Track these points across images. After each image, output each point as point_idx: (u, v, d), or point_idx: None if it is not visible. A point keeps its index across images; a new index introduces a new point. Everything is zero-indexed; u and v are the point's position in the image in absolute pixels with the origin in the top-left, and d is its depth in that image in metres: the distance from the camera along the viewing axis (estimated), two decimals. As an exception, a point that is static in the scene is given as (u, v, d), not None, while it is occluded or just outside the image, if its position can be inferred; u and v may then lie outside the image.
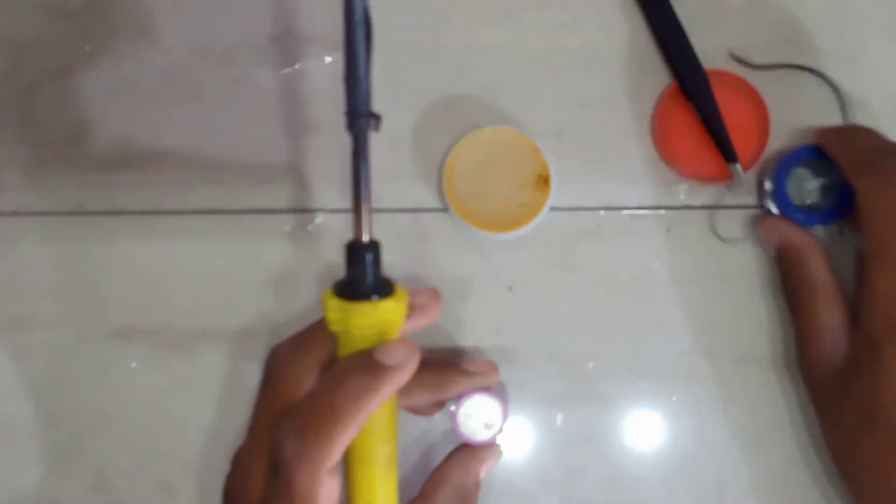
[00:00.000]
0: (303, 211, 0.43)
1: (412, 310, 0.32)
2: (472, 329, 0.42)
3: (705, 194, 0.42)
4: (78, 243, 0.43)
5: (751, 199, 0.42)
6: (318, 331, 0.32)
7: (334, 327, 0.31)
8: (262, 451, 0.31)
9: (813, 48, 0.42)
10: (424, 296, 0.33)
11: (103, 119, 0.43)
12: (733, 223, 0.42)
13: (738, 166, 0.40)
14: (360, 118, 0.31)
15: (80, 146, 0.43)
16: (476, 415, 0.37)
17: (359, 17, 0.31)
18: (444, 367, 0.37)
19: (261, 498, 0.30)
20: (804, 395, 0.40)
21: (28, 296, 0.43)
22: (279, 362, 0.33)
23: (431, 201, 0.42)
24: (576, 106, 0.42)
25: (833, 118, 0.42)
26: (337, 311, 0.30)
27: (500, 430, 0.38)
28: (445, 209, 0.42)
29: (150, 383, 0.43)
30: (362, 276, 0.31)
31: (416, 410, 0.40)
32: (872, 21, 0.42)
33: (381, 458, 0.31)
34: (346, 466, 0.31)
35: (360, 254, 0.31)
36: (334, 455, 0.28)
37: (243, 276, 0.42)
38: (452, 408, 0.37)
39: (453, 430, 0.37)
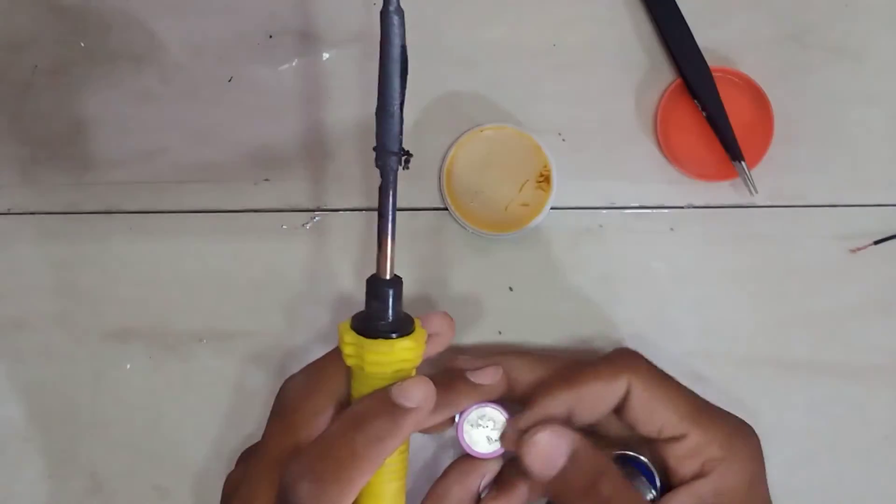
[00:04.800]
0: (300, 210, 0.42)
1: (427, 338, 0.31)
2: (473, 329, 0.42)
3: (709, 193, 0.42)
4: (73, 243, 0.43)
5: (756, 199, 0.41)
6: (332, 364, 0.32)
7: (350, 361, 0.31)
8: (269, 488, 0.30)
9: (819, 45, 0.41)
10: (438, 323, 0.33)
11: (98, 117, 0.42)
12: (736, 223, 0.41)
13: (744, 164, 0.40)
14: (390, 156, 0.30)
15: (76, 145, 0.43)
16: (481, 426, 0.36)
17: (395, 53, 0.30)
18: (452, 382, 0.36)
19: None
20: (806, 396, 0.40)
21: (22, 296, 0.43)
22: (293, 396, 0.32)
23: (431, 201, 0.42)
24: (578, 104, 0.42)
25: (834, 118, 0.41)
26: (354, 346, 0.30)
27: (502, 449, 0.37)
28: (445, 209, 0.41)
29: (145, 385, 0.42)
30: (383, 312, 0.30)
31: (425, 430, 0.39)
32: (879, 17, 0.41)
33: (391, 495, 0.31)
34: (358, 500, 0.30)
35: (382, 290, 0.30)
36: (351, 498, 0.28)
37: (240, 277, 0.42)
38: (458, 416, 0.36)
39: (457, 438, 0.37)
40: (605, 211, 0.42)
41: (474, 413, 0.36)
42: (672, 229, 0.42)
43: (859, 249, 0.41)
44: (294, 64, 0.42)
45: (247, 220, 0.42)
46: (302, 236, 0.42)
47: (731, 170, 0.41)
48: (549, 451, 0.33)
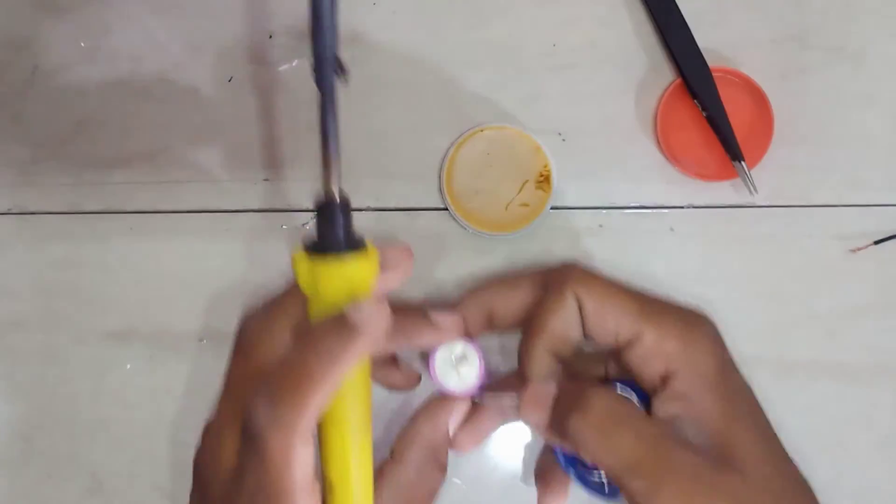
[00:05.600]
0: (300, 210, 0.42)
1: (383, 268, 0.31)
2: (473, 330, 0.42)
3: (709, 193, 0.41)
4: (73, 243, 0.43)
5: (756, 199, 0.41)
6: (289, 296, 0.32)
7: (305, 289, 0.30)
8: (234, 421, 0.30)
9: (819, 45, 0.41)
10: (396, 253, 0.32)
11: (99, 117, 0.42)
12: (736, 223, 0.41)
13: (744, 164, 0.40)
14: (325, 64, 0.29)
15: (75, 145, 0.43)
16: (454, 362, 0.36)
17: None
18: (410, 313, 0.36)
19: (233, 468, 0.30)
20: (806, 396, 0.40)
21: (22, 296, 0.43)
22: (252, 330, 0.32)
23: (431, 201, 0.42)
24: (578, 104, 0.42)
25: (835, 116, 0.41)
26: (307, 272, 0.30)
27: (475, 384, 0.37)
28: (445, 209, 0.41)
29: (145, 385, 0.42)
30: (332, 234, 0.30)
31: (393, 385, 0.39)
32: (879, 18, 0.41)
33: (354, 423, 0.30)
34: (320, 431, 0.30)
35: (330, 211, 0.30)
36: (309, 419, 0.28)
37: (240, 277, 0.42)
38: (431, 354, 0.36)
39: (429, 374, 0.36)
40: (605, 211, 0.42)
41: (446, 349, 0.36)
42: (672, 229, 0.42)
43: (859, 249, 0.41)
44: (294, 64, 0.42)
45: (247, 220, 0.42)
46: (302, 236, 0.42)
47: (731, 170, 0.41)
48: (539, 393, 0.34)
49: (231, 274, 0.42)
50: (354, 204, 0.42)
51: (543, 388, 0.34)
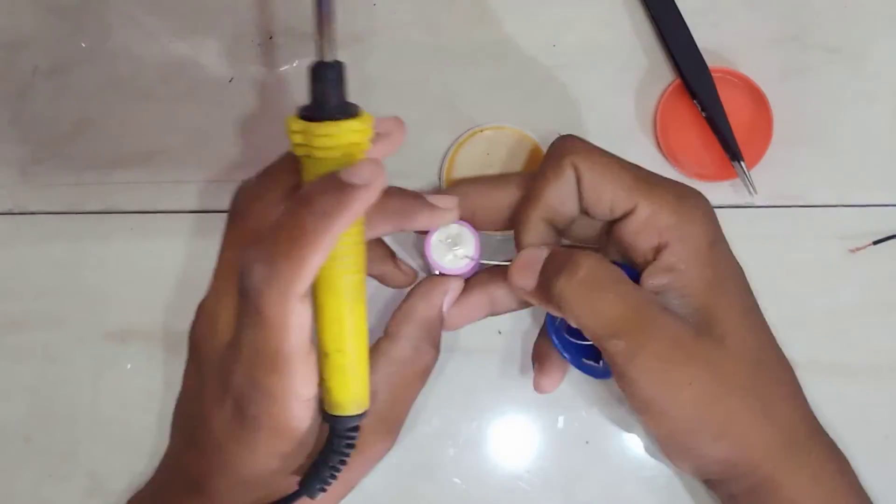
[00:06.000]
0: (301, 210, 0.42)
1: (376, 137, 0.30)
2: (473, 329, 0.41)
3: (708, 193, 0.41)
4: (73, 243, 0.43)
5: (755, 199, 0.41)
6: (284, 163, 0.31)
7: (299, 151, 0.29)
8: (230, 290, 0.29)
9: (818, 46, 0.41)
10: (388, 123, 0.31)
11: (99, 117, 0.42)
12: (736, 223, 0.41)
13: (743, 164, 0.40)
14: None
15: (76, 144, 0.43)
16: (450, 243, 0.36)
17: None
18: (410, 195, 0.36)
19: (231, 337, 0.29)
20: (809, 395, 0.40)
21: (22, 296, 0.43)
22: (246, 198, 0.31)
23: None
24: (578, 104, 0.42)
25: (834, 116, 0.41)
26: (301, 134, 0.29)
27: (469, 265, 0.37)
28: (445, 208, 0.41)
29: (145, 385, 0.42)
30: (326, 96, 0.29)
31: (391, 282, 0.39)
32: (879, 17, 0.41)
33: (348, 288, 0.29)
34: (315, 297, 0.29)
35: (325, 73, 0.29)
36: (305, 278, 0.27)
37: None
38: (427, 235, 0.36)
39: (424, 253, 0.36)
40: (604, 211, 0.42)
41: (442, 231, 0.36)
42: (672, 229, 0.42)
43: (858, 249, 0.41)
44: (294, 65, 0.42)
45: (247, 219, 0.42)
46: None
47: (730, 170, 0.41)
48: (530, 256, 0.34)
49: (231, 274, 0.42)
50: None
51: (535, 251, 0.34)
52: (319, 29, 0.29)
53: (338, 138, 0.29)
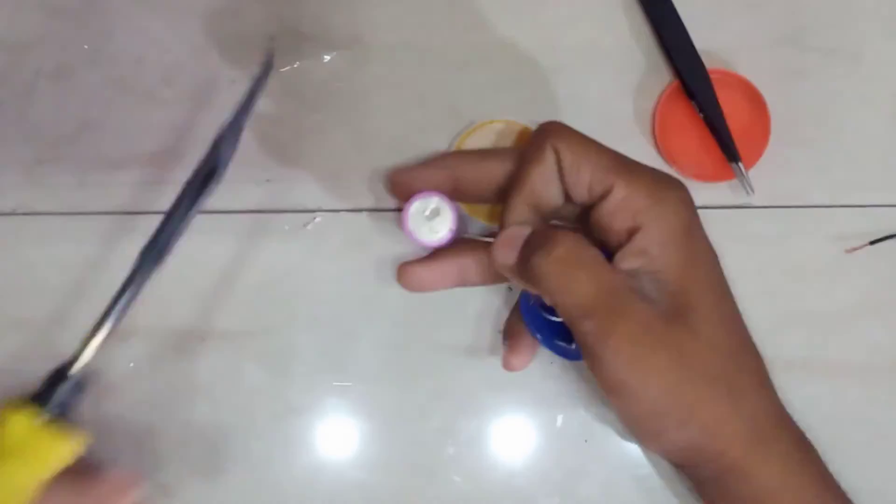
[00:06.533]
0: (301, 211, 0.42)
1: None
2: (473, 329, 0.42)
3: (706, 194, 0.42)
4: (77, 243, 0.43)
5: (752, 199, 0.42)
6: None
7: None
8: None
9: (815, 47, 0.42)
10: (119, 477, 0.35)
11: (102, 119, 0.43)
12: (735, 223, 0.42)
13: (741, 165, 0.40)
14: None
15: (79, 145, 0.43)
16: (428, 216, 0.37)
17: None
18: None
19: None
20: (802, 396, 0.40)
21: (26, 296, 0.43)
22: None
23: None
24: (576, 105, 0.42)
25: (831, 117, 0.42)
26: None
27: (446, 237, 0.37)
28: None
29: (145, 385, 0.42)
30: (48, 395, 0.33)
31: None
32: (876, 19, 0.42)
33: None
34: None
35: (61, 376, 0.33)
36: None
37: (241, 277, 0.42)
38: (405, 206, 0.37)
39: (402, 224, 0.37)
40: (603, 211, 0.42)
41: (422, 203, 0.36)
42: (670, 230, 0.42)
43: (855, 250, 0.42)
44: (296, 66, 0.42)
45: (248, 220, 0.42)
46: (303, 237, 0.42)
47: (728, 171, 0.41)
48: (512, 233, 0.34)
49: (232, 274, 0.42)
50: (354, 204, 0.42)
51: (518, 229, 0.35)
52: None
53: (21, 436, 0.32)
